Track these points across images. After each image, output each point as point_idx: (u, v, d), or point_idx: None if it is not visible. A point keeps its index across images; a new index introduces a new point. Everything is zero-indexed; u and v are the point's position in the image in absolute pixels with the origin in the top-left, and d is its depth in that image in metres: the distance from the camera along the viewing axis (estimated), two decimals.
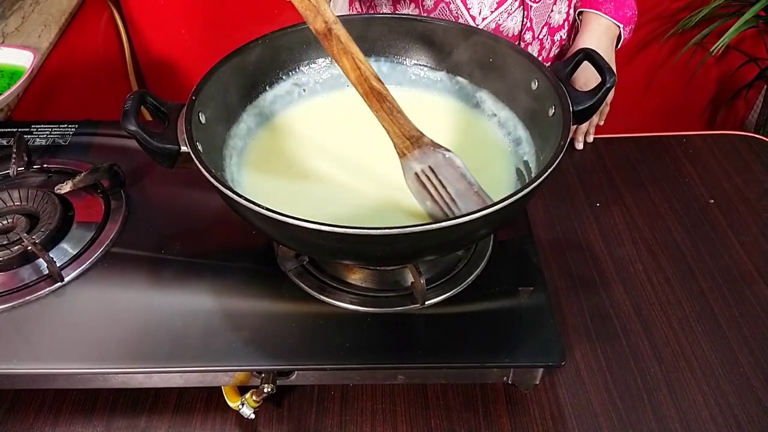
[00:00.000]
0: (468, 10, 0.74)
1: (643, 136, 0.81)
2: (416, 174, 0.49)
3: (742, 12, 1.28)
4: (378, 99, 0.48)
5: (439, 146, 0.49)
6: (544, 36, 0.79)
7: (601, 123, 0.82)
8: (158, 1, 1.33)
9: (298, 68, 0.60)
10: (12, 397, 0.55)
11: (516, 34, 0.77)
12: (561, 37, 0.81)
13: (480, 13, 0.74)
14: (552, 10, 0.77)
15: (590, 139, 0.80)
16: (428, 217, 0.49)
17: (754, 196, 0.73)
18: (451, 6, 0.74)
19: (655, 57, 1.47)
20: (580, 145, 0.79)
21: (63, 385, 0.52)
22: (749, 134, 0.82)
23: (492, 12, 0.74)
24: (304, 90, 0.61)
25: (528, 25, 0.76)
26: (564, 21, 0.79)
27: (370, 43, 0.61)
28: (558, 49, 0.83)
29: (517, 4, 0.74)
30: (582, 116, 0.49)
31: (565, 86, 0.50)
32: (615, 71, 0.75)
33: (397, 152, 0.49)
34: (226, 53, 0.54)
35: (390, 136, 0.49)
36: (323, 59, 0.61)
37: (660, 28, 1.42)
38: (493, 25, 0.75)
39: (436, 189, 0.48)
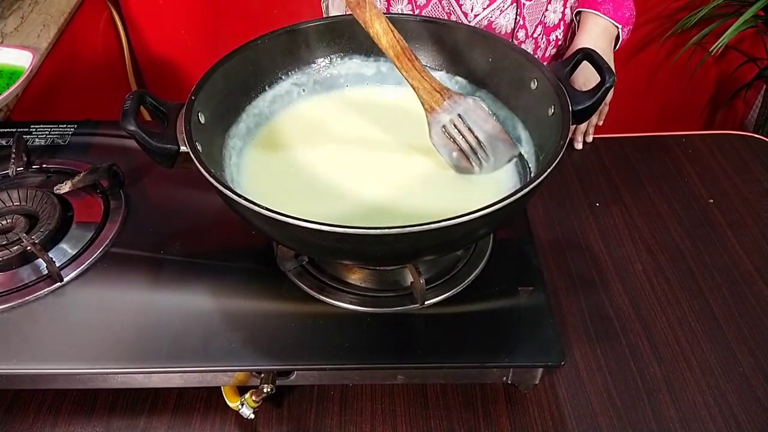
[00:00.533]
0: (460, 6, 0.74)
1: (642, 136, 0.81)
2: (443, 127, 0.52)
3: (741, 12, 1.28)
4: (409, 59, 0.51)
5: (466, 95, 0.52)
6: (539, 35, 0.78)
7: (600, 123, 0.82)
8: (157, 1, 1.33)
9: (298, 68, 0.60)
10: (11, 397, 0.55)
11: (509, 31, 0.76)
12: (557, 36, 0.81)
13: (472, 10, 0.74)
14: (547, 9, 0.77)
15: (589, 139, 0.80)
16: (454, 168, 0.53)
17: (753, 195, 0.73)
18: (444, 2, 0.74)
19: (654, 57, 1.47)
20: (579, 145, 0.79)
21: (62, 385, 0.52)
22: (748, 134, 0.82)
23: (484, 9, 0.73)
24: (304, 90, 0.61)
25: (521, 23, 0.75)
26: (560, 21, 0.79)
27: (369, 43, 0.60)
28: (554, 49, 0.82)
29: (509, 1, 0.73)
30: (581, 116, 0.49)
31: (564, 86, 0.50)
32: (614, 71, 0.75)
33: (426, 108, 0.52)
34: (225, 53, 0.54)
35: (419, 94, 0.52)
36: (322, 59, 0.61)
37: (659, 28, 1.42)
38: (485, 22, 0.75)
39: (464, 137, 0.52)
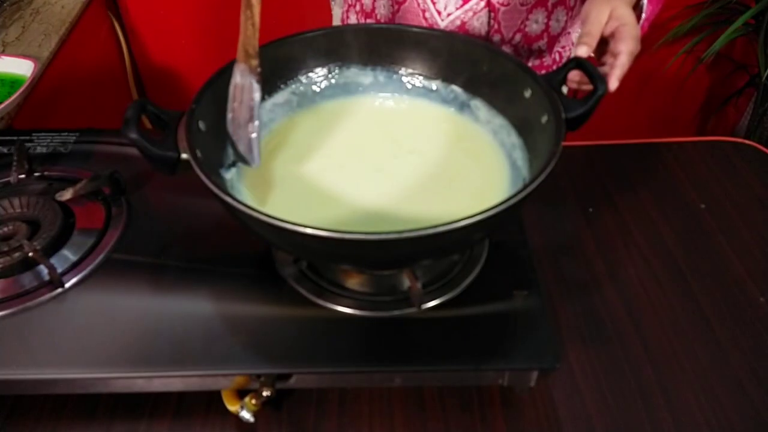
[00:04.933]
0: (434, 4, 0.73)
1: (634, 143, 0.82)
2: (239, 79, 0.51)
3: (731, 20, 1.30)
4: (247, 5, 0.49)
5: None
6: (519, 43, 0.77)
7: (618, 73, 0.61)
8: (158, 11, 1.34)
9: (297, 77, 0.61)
10: (12, 403, 0.55)
11: (483, 34, 0.76)
12: (540, 47, 0.80)
13: (445, 9, 0.73)
14: (528, 18, 0.75)
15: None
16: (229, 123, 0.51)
17: (744, 201, 0.74)
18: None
19: (646, 65, 1.49)
20: (615, 84, 0.59)
21: (63, 390, 0.53)
22: (739, 140, 0.83)
23: (457, 9, 0.73)
24: (303, 99, 0.62)
25: (495, 27, 0.75)
26: (543, 32, 0.78)
27: (366, 52, 0.62)
28: (538, 60, 0.82)
29: (483, 4, 0.73)
30: (574, 123, 0.50)
31: (557, 94, 0.51)
32: (638, 35, 0.59)
33: (239, 56, 0.51)
34: (225, 63, 0.55)
35: (240, 43, 0.50)
36: (321, 68, 0.62)
37: (651, 37, 1.44)
38: (458, 23, 0.74)
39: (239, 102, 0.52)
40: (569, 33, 0.81)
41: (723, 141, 0.83)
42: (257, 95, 0.51)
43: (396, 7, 0.77)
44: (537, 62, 0.82)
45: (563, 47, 0.82)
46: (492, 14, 0.74)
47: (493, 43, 0.77)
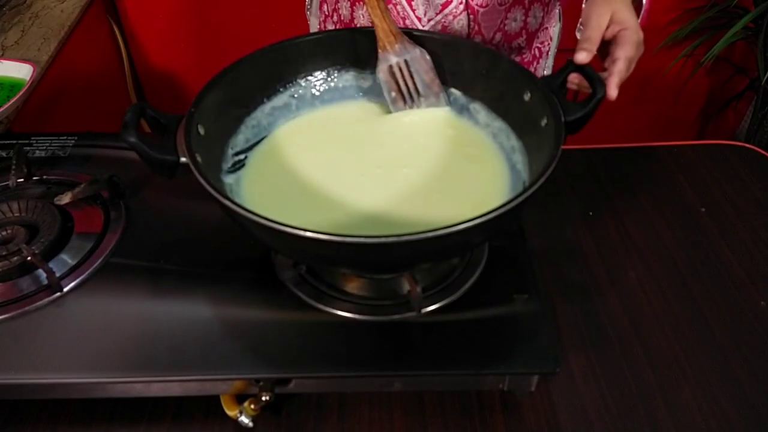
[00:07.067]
0: (413, 11, 0.74)
1: (634, 147, 0.83)
2: (390, 66, 0.59)
3: (731, 24, 1.30)
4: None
5: (416, 44, 0.58)
6: (499, 42, 0.78)
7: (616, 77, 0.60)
8: (157, 15, 1.35)
9: (296, 81, 0.61)
10: (10, 407, 0.55)
11: (464, 36, 0.76)
12: (520, 44, 0.80)
13: (425, 15, 0.74)
14: (507, 18, 0.75)
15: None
16: (390, 106, 0.61)
17: (744, 204, 0.74)
18: (398, 7, 0.74)
19: (646, 69, 1.49)
20: (614, 91, 0.58)
21: (62, 395, 0.53)
22: (739, 143, 0.83)
23: (437, 14, 0.73)
24: (302, 102, 0.62)
25: (476, 28, 0.75)
26: (521, 29, 0.78)
27: (367, 56, 0.62)
28: (518, 57, 0.82)
29: (462, 7, 0.73)
30: (574, 126, 0.50)
31: (557, 97, 0.51)
32: (640, 39, 0.60)
33: (379, 46, 0.58)
34: (224, 66, 0.55)
35: (377, 32, 0.58)
36: (320, 72, 0.62)
37: (651, 41, 1.43)
38: (439, 27, 0.75)
39: (405, 81, 0.59)
40: (547, 28, 0.82)
41: (723, 144, 0.83)
42: (429, 58, 0.59)
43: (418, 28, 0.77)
44: (517, 59, 0.82)
45: (542, 42, 0.82)
46: (471, 16, 0.74)
47: None
